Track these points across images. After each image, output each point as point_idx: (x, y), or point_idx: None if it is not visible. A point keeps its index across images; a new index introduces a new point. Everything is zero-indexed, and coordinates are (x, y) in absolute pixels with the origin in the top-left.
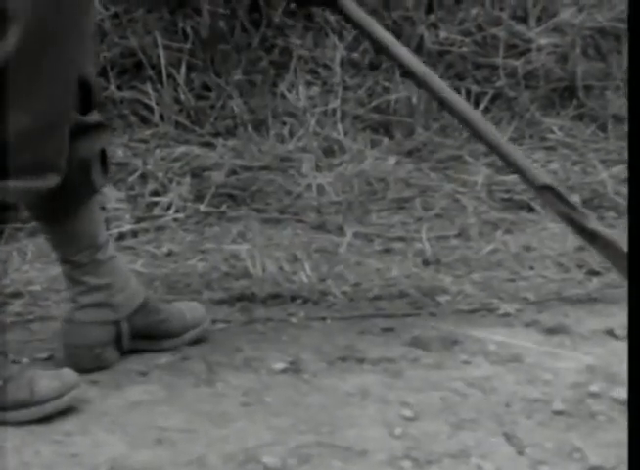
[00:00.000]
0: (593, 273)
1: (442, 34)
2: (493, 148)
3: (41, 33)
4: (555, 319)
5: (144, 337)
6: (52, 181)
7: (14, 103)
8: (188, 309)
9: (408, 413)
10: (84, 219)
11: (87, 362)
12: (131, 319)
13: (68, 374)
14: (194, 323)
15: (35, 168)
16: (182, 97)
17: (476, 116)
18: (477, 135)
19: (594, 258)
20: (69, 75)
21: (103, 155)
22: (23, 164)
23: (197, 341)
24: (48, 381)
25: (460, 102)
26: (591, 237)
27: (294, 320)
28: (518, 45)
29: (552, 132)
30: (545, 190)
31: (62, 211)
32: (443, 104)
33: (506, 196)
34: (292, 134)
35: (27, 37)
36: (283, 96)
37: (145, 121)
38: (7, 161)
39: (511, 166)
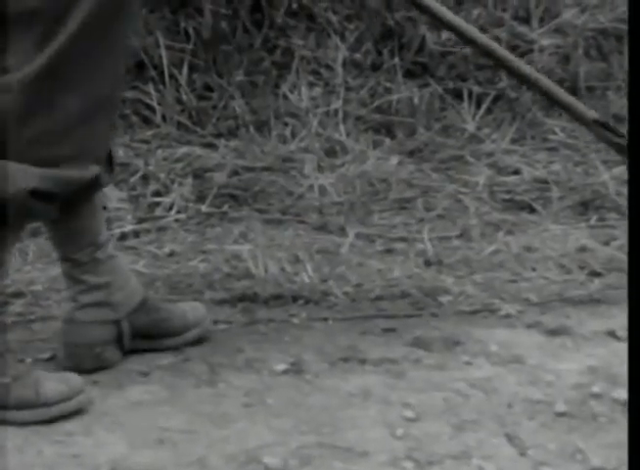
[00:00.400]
0: (595, 274)
1: (444, 35)
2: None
3: (103, 16)
4: (557, 320)
5: (145, 336)
6: (94, 172)
7: (66, 86)
8: (188, 309)
9: (410, 414)
10: (87, 217)
11: (88, 362)
12: (131, 318)
13: (75, 379)
14: (195, 322)
15: (80, 158)
16: (184, 97)
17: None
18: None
19: (596, 259)
20: (121, 61)
21: (109, 152)
22: (69, 153)
23: (198, 341)
24: (55, 384)
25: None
26: None
27: (295, 321)
28: (520, 46)
29: (554, 133)
30: (596, 124)
31: (66, 207)
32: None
33: (508, 197)
34: (294, 135)
35: (90, 20)
36: (285, 97)
37: (147, 122)
38: (53, 149)
39: (557, 105)
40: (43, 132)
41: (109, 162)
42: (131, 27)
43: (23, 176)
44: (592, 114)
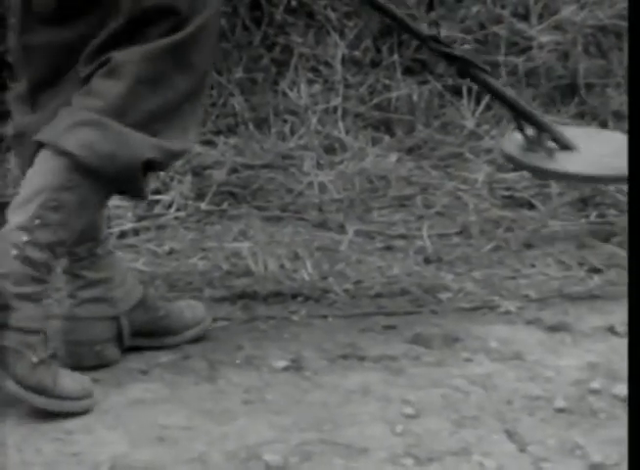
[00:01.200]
0: (594, 271)
1: (444, 32)
2: None
3: (215, 18)
4: (556, 317)
5: (144, 334)
6: (192, 146)
7: (182, 68)
8: (188, 308)
9: (409, 411)
10: None
11: (88, 359)
12: (131, 316)
13: (88, 382)
14: (194, 321)
15: (184, 133)
16: None
17: None
18: None
19: (595, 255)
20: (212, 54)
21: None
22: (177, 128)
23: (198, 339)
24: (71, 380)
25: None
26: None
27: (295, 318)
28: (519, 43)
29: None
30: (430, 39)
31: None
32: None
33: (507, 193)
34: (293, 132)
35: (208, 21)
36: (284, 94)
37: None
38: (166, 123)
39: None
40: (160, 106)
41: None
42: None
43: (142, 145)
44: (425, 30)
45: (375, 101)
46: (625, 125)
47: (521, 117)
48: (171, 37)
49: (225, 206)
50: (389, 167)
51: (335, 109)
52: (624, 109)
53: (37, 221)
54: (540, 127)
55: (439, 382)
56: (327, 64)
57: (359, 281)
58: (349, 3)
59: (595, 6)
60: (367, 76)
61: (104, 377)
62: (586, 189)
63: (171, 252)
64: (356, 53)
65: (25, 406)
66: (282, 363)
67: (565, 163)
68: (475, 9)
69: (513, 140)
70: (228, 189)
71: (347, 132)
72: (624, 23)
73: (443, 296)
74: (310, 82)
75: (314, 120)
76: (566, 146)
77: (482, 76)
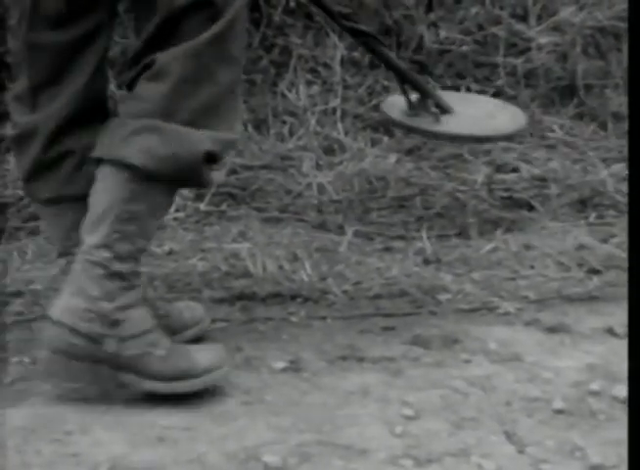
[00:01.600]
0: (593, 272)
1: (442, 33)
2: None
3: (245, 9)
4: (555, 318)
5: None
6: (238, 136)
7: (223, 60)
8: (187, 308)
9: (409, 412)
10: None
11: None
12: None
13: (217, 347)
14: (193, 322)
15: (230, 122)
16: None
17: None
18: None
19: (594, 256)
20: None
21: None
22: (225, 119)
23: (197, 340)
24: (205, 353)
25: None
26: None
27: (294, 319)
28: (518, 44)
29: (552, 131)
30: (339, 16)
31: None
32: None
33: (506, 194)
34: (292, 133)
35: (242, 10)
36: (283, 95)
37: None
38: (215, 115)
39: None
40: (206, 101)
41: None
42: None
43: (198, 140)
44: (337, 7)
45: (374, 102)
46: (625, 126)
47: (408, 83)
48: (211, 30)
49: (224, 207)
50: (388, 168)
51: (334, 110)
52: (623, 109)
53: (115, 236)
54: (425, 93)
55: (438, 383)
56: (326, 65)
57: (358, 282)
58: (348, 4)
59: (594, 7)
60: (366, 78)
61: None
62: (585, 190)
63: (170, 252)
64: (355, 54)
65: (26, 406)
66: (281, 364)
67: (448, 125)
68: (474, 10)
69: (395, 105)
70: (227, 190)
71: (346, 133)
72: (623, 25)
73: (442, 297)
74: (309, 83)
75: (313, 122)
76: (446, 110)
77: (379, 47)
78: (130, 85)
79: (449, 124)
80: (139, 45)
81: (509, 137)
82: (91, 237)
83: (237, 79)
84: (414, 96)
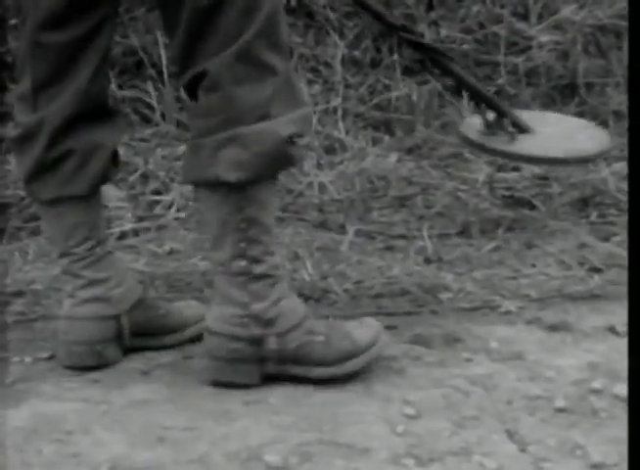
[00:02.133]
0: (595, 270)
1: (443, 32)
2: None
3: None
4: (557, 316)
5: (144, 334)
6: (311, 109)
7: (272, 49)
8: (188, 308)
9: (410, 411)
10: (89, 209)
11: (89, 359)
12: (130, 315)
13: (371, 320)
14: (194, 319)
15: (296, 100)
16: (183, 96)
17: None
18: None
19: (596, 255)
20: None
21: (114, 149)
22: (293, 96)
23: (198, 339)
24: (365, 330)
25: None
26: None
27: None
28: (519, 42)
29: None
30: (402, 29)
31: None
32: None
33: (507, 193)
34: None
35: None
36: None
37: (146, 120)
38: (280, 101)
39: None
40: (269, 93)
41: (114, 158)
42: None
43: (277, 129)
44: (399, 22)
45: (375, 101)
46: (625, 124)
47: (483, 102)
48: (253, 28)
49: None
50: (390, 168)
51: (335, 109)
52: (624, 108)
53: (242, 244)
54: (501, 112)
55: (440, 382)
56: (327, 64)
57: (359, 281)
58: (349, 3)
59: (594, 5)
60: (367, 77)
61: (104, 378)
62: (587, 189)
63: (171, 252)
64: (356, 53)
65: (26, 407)
66: None
67: (525, 145)
68: (474, 9)
69: (472, 125)
70: None
71: (347, 132)
72: (624, 23)
73: (444, 296)
74: (310, 82)
75: (314, 121)
76: (523, 129)
77: (450, 65)
78: (188, 91)
79: (524, 145)
80: (178, 42)
81: (587, 160)
82: (220, 253)
83: (290, 61)
84: (490, 115)
